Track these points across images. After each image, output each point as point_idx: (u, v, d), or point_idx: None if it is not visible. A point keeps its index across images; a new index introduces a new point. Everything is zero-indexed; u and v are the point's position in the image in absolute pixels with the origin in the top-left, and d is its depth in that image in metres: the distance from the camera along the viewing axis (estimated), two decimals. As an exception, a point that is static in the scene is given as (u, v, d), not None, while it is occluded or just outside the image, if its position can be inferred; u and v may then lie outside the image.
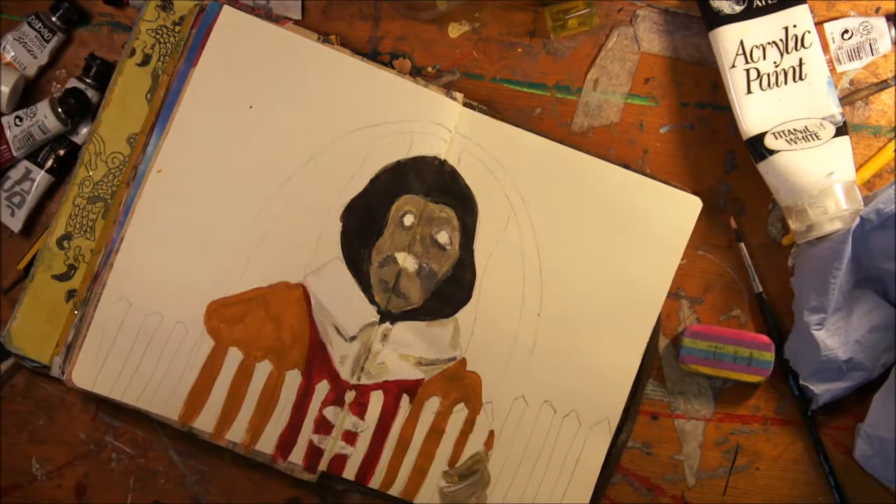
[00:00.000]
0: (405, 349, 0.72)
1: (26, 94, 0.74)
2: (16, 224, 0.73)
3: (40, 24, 0.73)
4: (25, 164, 0.73)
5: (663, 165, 0.75)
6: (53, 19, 0.73)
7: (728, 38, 0.72)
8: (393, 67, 0.74)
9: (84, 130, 0.74)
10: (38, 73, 0.74)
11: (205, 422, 0.71)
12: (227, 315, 0.71)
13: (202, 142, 0.71)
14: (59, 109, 0.71)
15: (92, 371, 0.70)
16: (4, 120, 0.72)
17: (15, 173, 0.73)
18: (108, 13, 0.75)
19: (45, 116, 0.71)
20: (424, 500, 0.73)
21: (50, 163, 0.73)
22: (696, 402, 0.75)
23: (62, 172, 0.74)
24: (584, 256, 0.73)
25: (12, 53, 0.73)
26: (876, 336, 0.72)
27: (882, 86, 0.75)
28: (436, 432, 0.73)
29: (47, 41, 0.73)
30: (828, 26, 0.74)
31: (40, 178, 0.73)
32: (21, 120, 0.71)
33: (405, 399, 0.72)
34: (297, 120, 0.72)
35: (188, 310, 0.71)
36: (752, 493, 0.75)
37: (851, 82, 0.75)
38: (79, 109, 0.72)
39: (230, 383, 0.71)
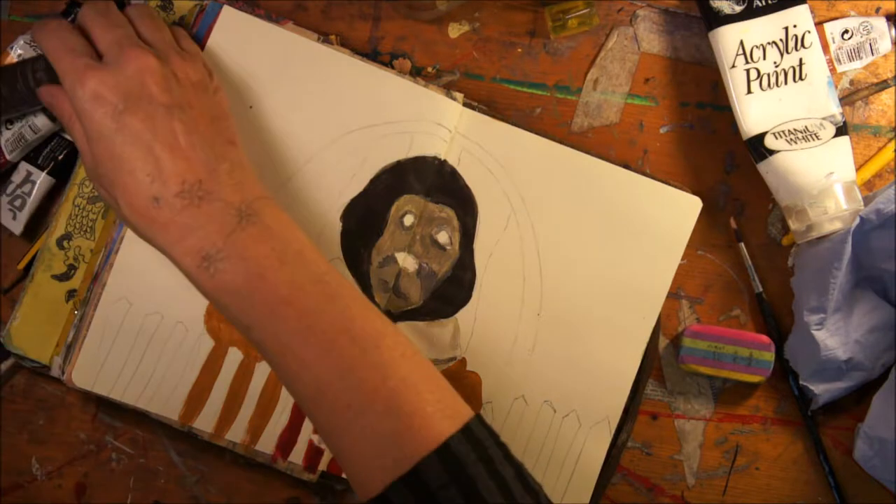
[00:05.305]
0: (405, 349, 0.72)
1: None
2: (17, 227, 0.73)
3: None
4: (27, 166, 0.73)
5: (663, 165, 0.75)
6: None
7: (728, 38, 0.72)
8: (393, 67, 0.74)
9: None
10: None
11: (205, 422, 0.71)
12: (227, 315, 0.71)
13: (202, 142, 0.71)
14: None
15: (92, 371, 0.70)
16: None
17: (17, 177, 0.73)
18: (108, 13, 0.75)
19: (34, 115, 0.71)
20: (424, 500, 0.73)
21: (51, 165, 0.73)
22: (696, 402, 0.75)
23: (64, 174, 0.73)
24: (584, 256, 0.73)
25: (20, 52, 0.71)
26: (876, 336, 0.72)
27: (882, 86, 0.75)
28: (436, 432, 0.73)
29: None
30: (828, 26, 0.74)
31: (41, 180, 0.73)
32: (11, 123, 0.71)
33: (405, 399, 0.72)
34: (297, 120, 0.72)
35: (188, 310, 0.71)
36: (752, 493, 0.75)
37: (851, 82, 0.75)
38: None
39: (230, 383, 0.71)
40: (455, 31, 0.75)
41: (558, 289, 0.73)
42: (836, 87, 0.74)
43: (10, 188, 0.73)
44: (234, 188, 0.62)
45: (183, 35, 0.69)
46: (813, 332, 0.71)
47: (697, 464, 0.75)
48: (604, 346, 0.73)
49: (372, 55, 0.75)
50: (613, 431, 0.73)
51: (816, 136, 0.71)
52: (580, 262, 0.73)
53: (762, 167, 0.72)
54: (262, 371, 0.71)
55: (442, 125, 0.72)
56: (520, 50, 0.75)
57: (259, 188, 0.63)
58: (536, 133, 0.73)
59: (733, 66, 0.72)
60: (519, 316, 0.73)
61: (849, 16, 0.75)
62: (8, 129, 0.71)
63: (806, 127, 0.71)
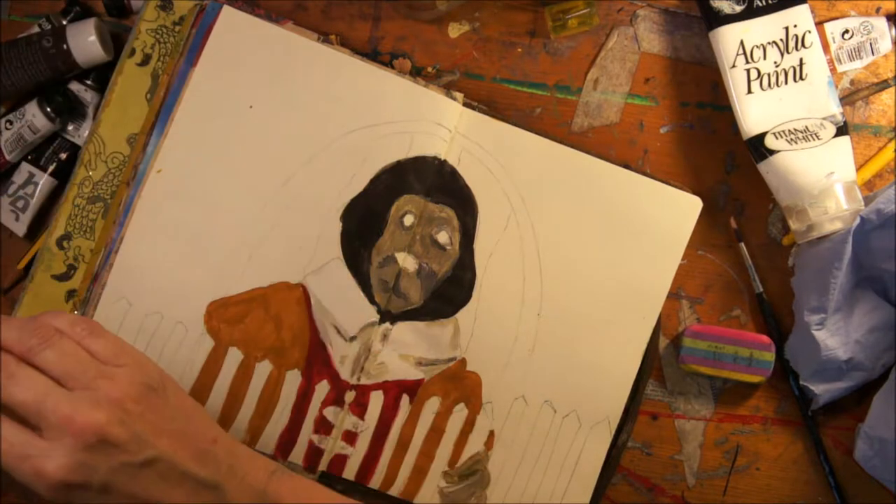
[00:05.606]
0: (405, 349, 0.72)
1: (24, 99, 0.74)
2: (20, 228, 0.73)
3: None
4: (28, 168, 0.73)
5: (663, 165, 0.75)
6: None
7: (728, 38, 0.72)
8: (393, 67, 0.74)
9: (85, 132, 0.74)
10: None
11: (205, 422, 0.71)
12: (227, 315, 0.71)
13: (202, 142, 0.71)
14: (48, 108, 0.71)
15: (92, 371, 0.70)
16: None
17: (18, 178, 0.73)
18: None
19: (33, 115, 0.71)
20: (424, 500, 0.73)
21: (53, 166, 0.73)
22: (696, 402, 0.75)
23: (65, 175, 0.73)
24: (584, 256, 0.73)
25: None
26: (876, 336, 0.72)
27: (882, 86, 0.75)
28: (436, 432, 0.73)
29: None
30: (828, 26, 0.74)
31: (43, 181, 0.73)
32: (11, 123, 0.71)
33: (405, 399, 0.72)
34: (297, 120, 0.72)
35: (188, 310, 0.71)
36: (752, 493, 0.75)
37: (852, 82, 0.75)
38: (67, 106, 0.72)
39: (230, 383, 0.71)
40: (455, 31, 0.75)
41: (558, 289, 0.73)
42: (837, 86, 0.74)
43: (12, 189, 0.73)
44: (241, 487, 0.59)
45: (89, 334, 0.58)
46: (813, 332, 0.71)
47: (698, 464, 0.75)
48: (604, 346, 0.73)
49: (372, 55, 0.75)
50: (613, 431, 0.73)
51: (817, 136, 0.71)
52: (580, 262, 0.73)
53: (762, 167, 0.72)
54: (262, 371, 0.71)
55: (442, 125, 0.72)
56: (520, 50, 0.75)
57: (260, 466, 0.61)
58: (536, 133, 0.73)
59: (733, 66, 0.72)
60: (519, 316, 0.73)
61: (849, 16, 0.75)
62: (7, 129, 0.71)
63: (806, 127, 0.71)
